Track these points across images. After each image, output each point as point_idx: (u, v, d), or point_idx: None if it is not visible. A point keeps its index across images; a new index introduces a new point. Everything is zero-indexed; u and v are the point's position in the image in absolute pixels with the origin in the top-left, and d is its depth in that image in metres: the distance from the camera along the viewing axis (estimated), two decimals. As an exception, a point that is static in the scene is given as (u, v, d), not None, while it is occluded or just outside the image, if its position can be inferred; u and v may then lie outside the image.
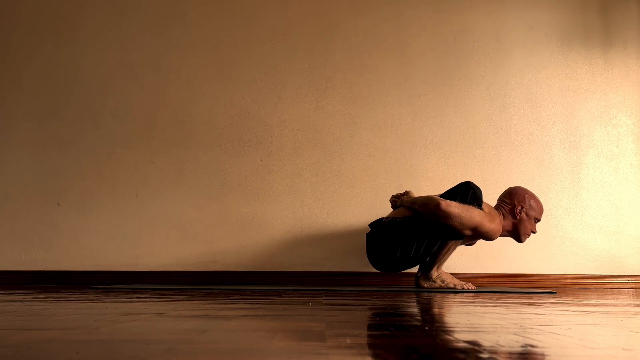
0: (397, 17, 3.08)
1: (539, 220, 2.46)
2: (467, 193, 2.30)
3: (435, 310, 1.39)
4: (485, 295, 1.99)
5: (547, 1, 3.10)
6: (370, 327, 0.96)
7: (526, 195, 2.43)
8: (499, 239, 2.87)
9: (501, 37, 3.06)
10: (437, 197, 2.31)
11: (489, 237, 2.36)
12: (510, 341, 0.80)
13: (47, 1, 3.13)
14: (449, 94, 3.00)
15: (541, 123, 2.98)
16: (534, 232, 2.47)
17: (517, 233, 2.45)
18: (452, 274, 2.66)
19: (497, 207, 2.49)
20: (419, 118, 2.99)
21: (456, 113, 2.99)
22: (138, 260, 2.87)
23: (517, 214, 2.41)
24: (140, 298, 1.67)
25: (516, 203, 2.42)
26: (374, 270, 2.85)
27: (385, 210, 2.72)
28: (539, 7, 3.09)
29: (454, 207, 2.23)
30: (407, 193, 2.53)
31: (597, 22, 3.07)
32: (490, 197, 2.91)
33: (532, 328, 0.95)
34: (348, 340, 0.79)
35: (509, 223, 2.43)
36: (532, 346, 0.75)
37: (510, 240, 2.87)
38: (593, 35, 3.06)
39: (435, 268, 2.42)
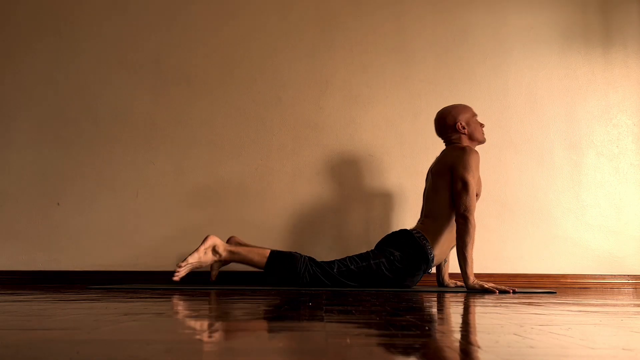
0: (397, 17, 3.08)
1: (475, 115, 2.53)
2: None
3: (435, 310, 1.39)
4: (485, 295, 1.99)
5: (547, 1, 3.10)
6: (370, 327, 0.96)
7: (451, 112, 2.52)
8: (499, 239, 2.88)
9: (501, 37, 3.06)
10: (465, 222, 2.28)
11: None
12: (510, 341, 0.80)
13: (47, 1, 3.13)
14: (449, 94, 3.00)
15: (541, 123, 2.98)
16: (482, 126, 2.53)
17: (475, 139, 2.51)
18: (450, 273, 2.66)
19: (451, 141, 2.52)
20: (419, 118, 2.99)
21: (456, 113, 2.99)
22: (138, 260, 2.87)
23: (461, 129, 2.48)
24: (140, 298, 1.67)
25: (453, 124, 2.49)
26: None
27: (384, 210, 2.72)
28: (539, 7, 3.09)
29: (473, 211, 2.30)
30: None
31: (597, 22, 3.07)
32: (491, 198, 2.91)
33: (532, 328, 0.95)
34: (348, 340, 0.79)
35: (466, 140, 2.50)
36: (532, 346, 0.75)
37: (510, 240, 2.88)
38: (593, 35, 3.06)
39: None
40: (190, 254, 2.36)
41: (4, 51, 3.10)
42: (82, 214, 2.94)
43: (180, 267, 2.33)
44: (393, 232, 2.49)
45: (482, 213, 2.90)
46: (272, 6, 3.10)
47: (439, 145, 2.97)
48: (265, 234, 2.88)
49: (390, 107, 3.00)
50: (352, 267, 2.37)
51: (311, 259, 2.39)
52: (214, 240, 2.41)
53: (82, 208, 2.95)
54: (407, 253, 2.37)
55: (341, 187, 2.93)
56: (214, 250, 2.39)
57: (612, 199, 2.93)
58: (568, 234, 2.89)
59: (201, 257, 2.37)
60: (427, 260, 2.37)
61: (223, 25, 3.09)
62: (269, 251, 2.40)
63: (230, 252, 2.40)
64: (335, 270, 2.36)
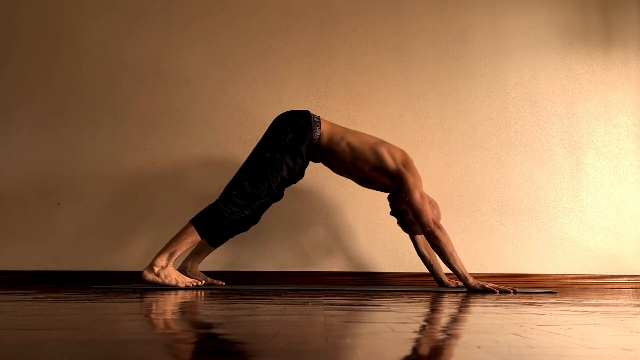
0: (397, 17, 3.08)
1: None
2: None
3: (435, 310, 1.39)
4: (486, 295, 1.99)
5: (547, 1, 3.10)
6: (370, 327, 0.96)
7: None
8: (499, 239, 2.88)
9: (501, 37, 3.06)
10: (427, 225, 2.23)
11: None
12: (510, 341, 0.80)
13: (48, 1, 3.13)
14: (449, 94, 3.00)
15: (541, 123, 2.98)
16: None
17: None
18: (448, 274, 2.65)
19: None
20: (419, 118, 2.99)
21: (456, 113, 2.99)
22: (138, 260, 2.87)
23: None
24: (140, 298, 1.67)
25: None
26: (373, 270, 2.85)
27: (384, 210, 2.72)
28: (539, 7, 3.09)
29: (435, 218, 2.26)
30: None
31: (597, 22, 3.07)
32: (491, 198, 2.91)
33: (532, 328, 0.95)
34: (348, 340, 0.79)
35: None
36: (532, 346, 0.75)
37: (510, 240, 2.87)
38: (593, 35, 3.06)
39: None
40: (177, 289, 2.28)
41: (4, 51, 3.10)
42: (82, 214, 2.94)
43: (198, 284, 2.32)
44: (284, 116, 2.41)
45: (482, 213, 2.90)
46: (272, 6, 3.10)
47: (439, 145, 2.98)
48: (265, 234, 2.88)
49: (390, 107, 3.00)
50: (255, 169, 2.33)
51: (222, 198, 2.32)
52: (147, 270, 2.29)
53: (82, 208, 2.95)
54: (296, 131, 2.33)
55: (341, 188, 2.93)
56: (159, 267, 2.29)
57: (612, 199, 2.93)
58: (568, 234, 2.89)
59: (171, 279, 2.28)
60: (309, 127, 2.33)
61: (223, 25, 3.09)
62: (190, 224, 2.33)
63: (167, 254, 2.30)
64: (246, 183, 2.31)
